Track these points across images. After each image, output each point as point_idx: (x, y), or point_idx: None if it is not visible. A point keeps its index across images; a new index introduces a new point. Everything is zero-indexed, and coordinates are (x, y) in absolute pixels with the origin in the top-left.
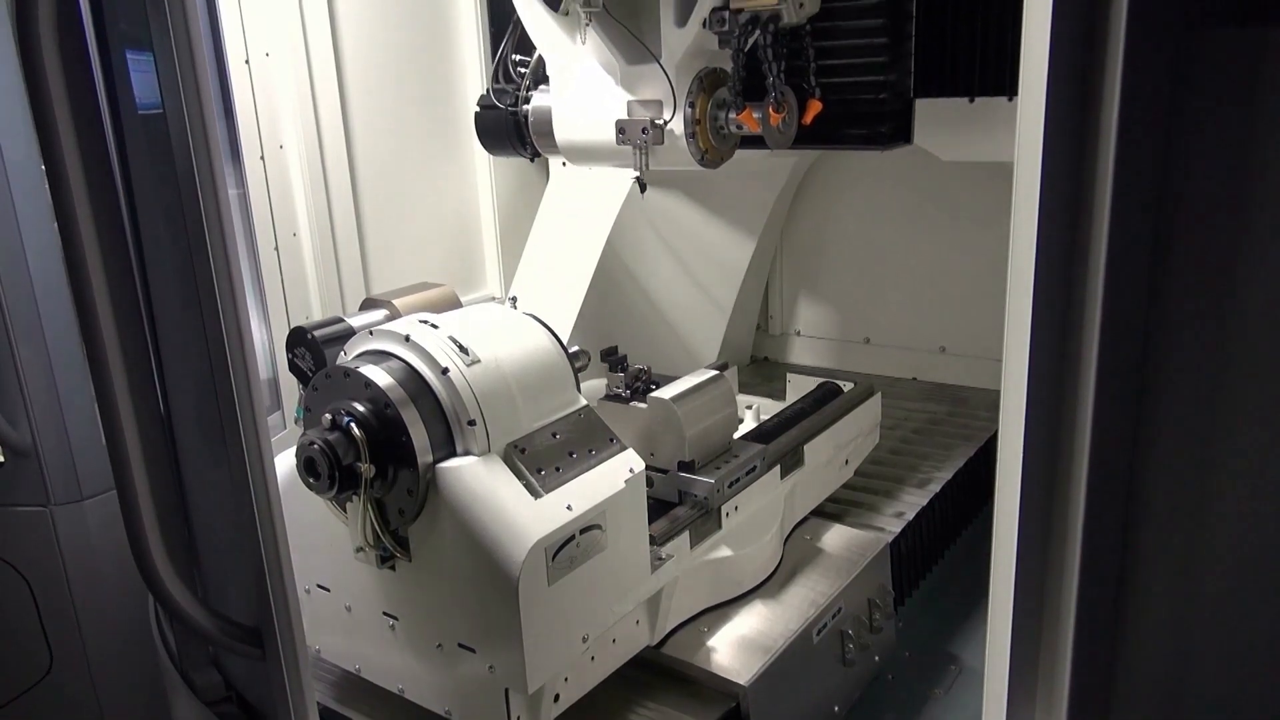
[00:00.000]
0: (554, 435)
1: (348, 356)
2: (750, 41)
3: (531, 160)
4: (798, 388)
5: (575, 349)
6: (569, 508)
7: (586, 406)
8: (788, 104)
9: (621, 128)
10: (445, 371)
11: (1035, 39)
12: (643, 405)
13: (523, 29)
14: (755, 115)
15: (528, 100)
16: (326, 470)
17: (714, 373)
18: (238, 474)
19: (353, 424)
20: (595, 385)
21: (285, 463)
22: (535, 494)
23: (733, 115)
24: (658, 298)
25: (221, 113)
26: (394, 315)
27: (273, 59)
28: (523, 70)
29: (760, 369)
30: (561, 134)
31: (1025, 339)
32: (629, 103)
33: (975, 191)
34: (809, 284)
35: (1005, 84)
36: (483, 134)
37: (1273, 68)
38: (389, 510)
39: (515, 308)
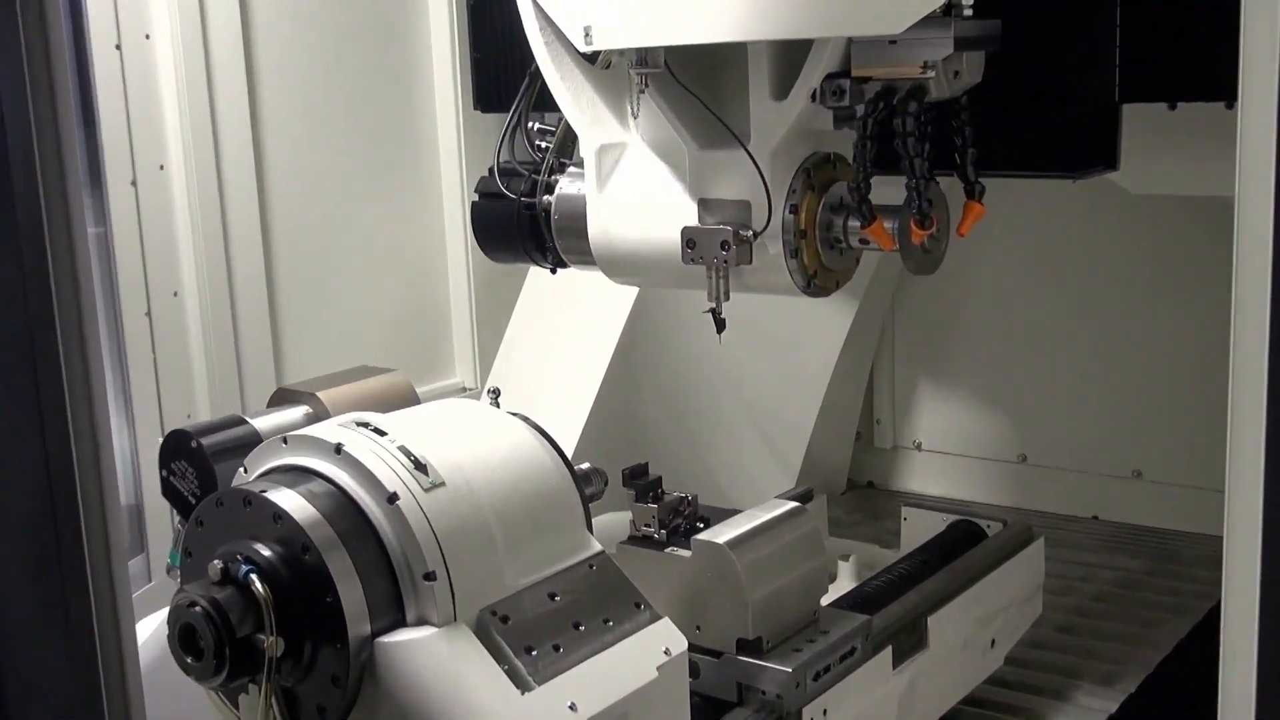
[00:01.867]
0: (552, 597)
1: (249, 475)
2: (875, 121)
3: (553, 272)
4: (917, 529)
5: (585, 467)
6: (572, 708)
7: (601, 554)
8: (936, 215)
9: (691, 239)
10: (393, 499)
11: (1259, 22)
12: (685, 553)
13: (544, 84)
14: (888, 227)
15: (550, 188)
16: (212, 644)
17: (792, 505)
18: (80, 647)
19: (254, 576)
20: (615, 522)
21: (152, 632)
22: (523, 685)
23: (854, 224)
24: (709, 394)
25: (79, 118)
26: (319, 415)
27: (154, 43)
28: (545, 144)
29: (862, 499)
30: (601, 241)
31: (1258, 463)
32: (702, 203)
33: (1181, 241)
34: (935, 374)
35: (1218, 84)
36: (483, 233)
37: None
38: (303, 707)
39: (497, 405)
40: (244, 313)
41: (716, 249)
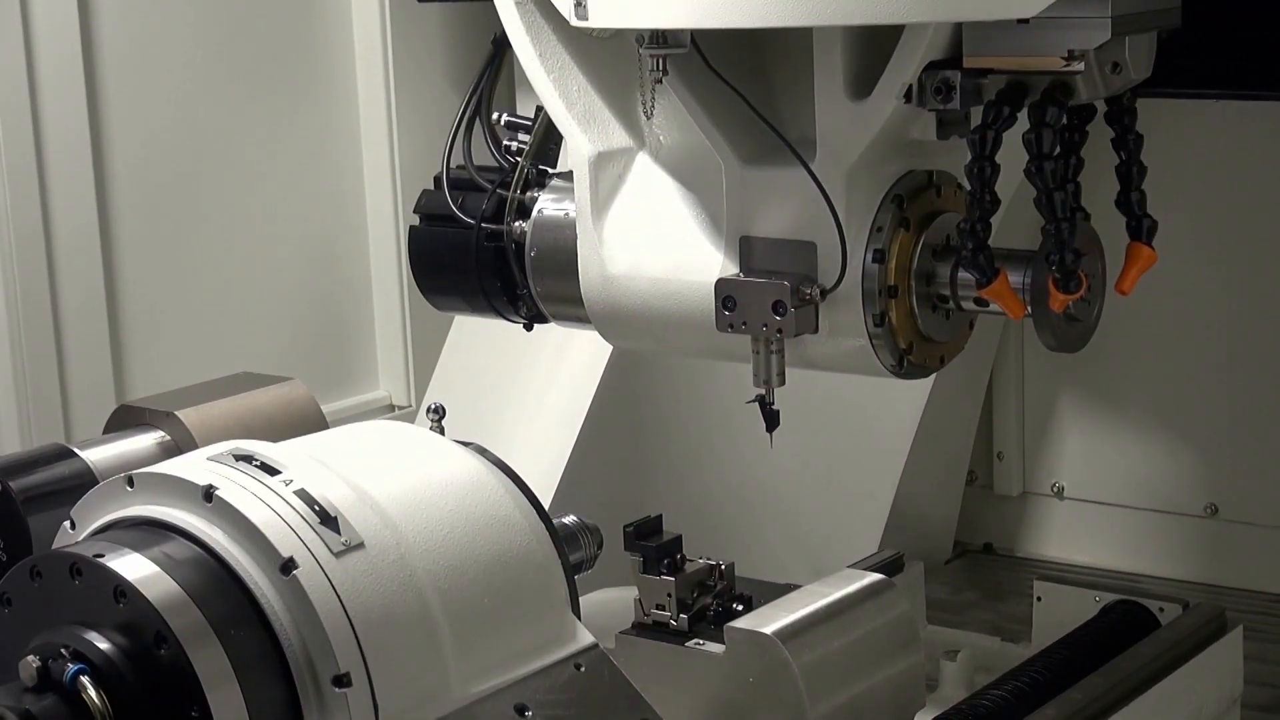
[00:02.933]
0: (521, 712)
1: (78, 532)
2: (998, 131)
3: (528, 328)
4: (1057, 612)
5: (570, 521)
6: None
7: (594, 649)
8: (1087, 272)
9: (730, 297)
10: (289, 567)
11: None
12: (717, 648)
13: (515, 63)
14: (1017, 285)
15: (525, 210)
16: None
17: (872, 578)
18: None
19: (85, 679)
20: (612, 602)
21: None
22: None
23: (965, 277)
24: (744, 416)
25: None
26: (179, 443)
27: None
28: (517, 143)
29: (976, 569)
30: (596, 289)
31: None
32: (745, 244)
33: None
34: (1083, 390)
35: None
36: (425, 271)
37: None
38: None
39: (440, 430)
40: (69, 302)
41: (767, 312)
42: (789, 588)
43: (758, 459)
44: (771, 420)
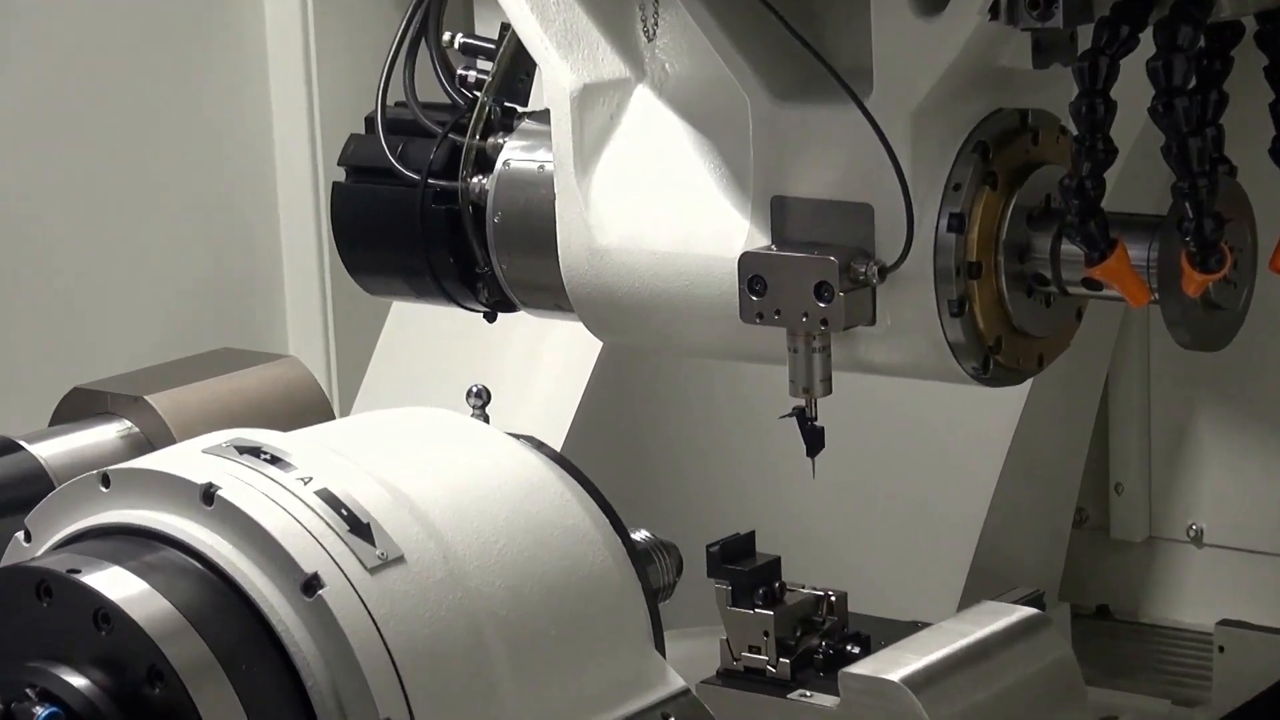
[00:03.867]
0: None
1: (35, 544)
2: (1115, 58)
3: (490, 319)
4: (1242, 663)
5: (640, 536)
6: None
7: (686, 695)
8: (1234, 244)
9: (758, 279)
10: (312, 586)
11: None
12: (829, 700)
13: None
14: (1139, 262)
15: (486, 161)
16: None
17: (1025, 612)
18: None
19: None
20: (685, 644)
21: None
22: None
23: (1071, 251)
24: (777, 439)
25: None
26: (150, 436)
27: None
28: (475, 73)
29: (1088, 637)
30: (581, 268)
31: None
32: (779, 206)
33: None
34: (1227, 405)
35: None
36: (353, 241)
37: None
38: None
39: (483, 416)
40: None
41: (807, 297)
42: (915, 625)
43: (794, 492)
44: (813, 442)
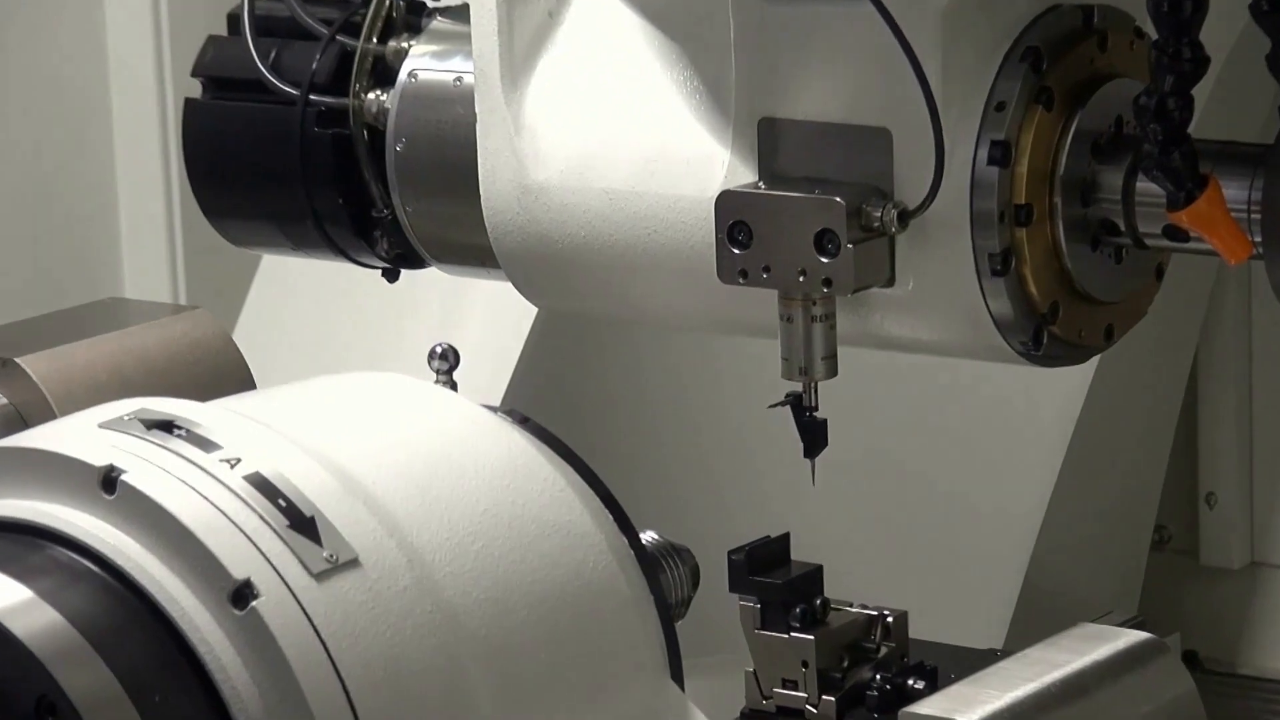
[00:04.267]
0: None
1: None
2: None
3: (391, 277)
4: None
5: (653, 540)
6: None
7: None
8: None
9: (741, 226)
10: (243, 597)
11: None
12: None
13: None
14: (1237, 205)
15: (384, 71)
16: None
17: (1135, 637)
18: None
19: None
20: (705, 685)
21: None
22: None
23: (1149, 190)
24: (766, 432)
25: None
26: (24, 407)
27: None
28: None
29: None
30: (510, 212)
31: None
32: (767, 128)
33: None
34: None
35: None
36: (209, 173)
37: None
38: None
39: (450, 382)
40: None
41: (805, 249)
42: (993, 655)
43: (791, 500)
44: (813, 438)
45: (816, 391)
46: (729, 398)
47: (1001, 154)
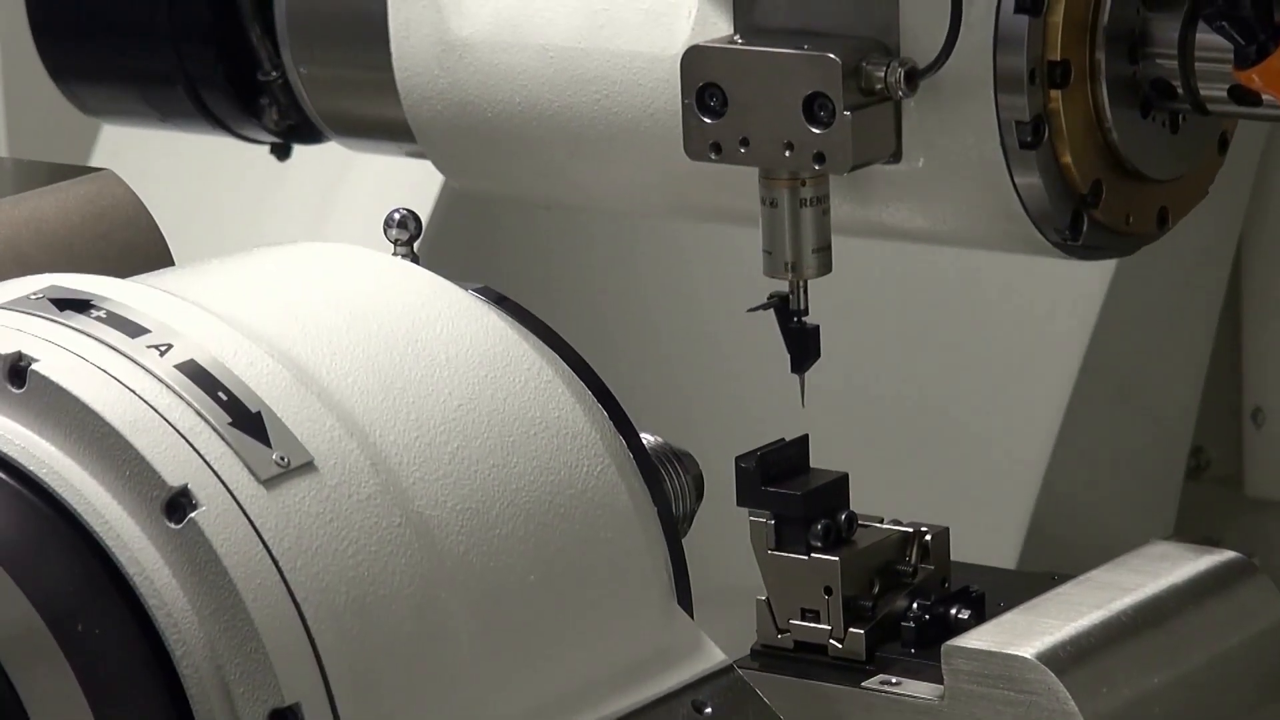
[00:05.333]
0: None
1: None
2: None
3: (281, 154)
4: None
5: (653, 441)
6: None
7: (729, 673)
8: None
9: (713, 89)
10: (179, 507)
11: None
12: (927, 691)
13: None
14: None
15: None
16: None
17: (1220, 556)
18: None
19: None
20: (709, 615)
21: None
22: None
23: (1211, 42)
24: (745, 343)
25: None
26: None
27: None
28: None
29: None
30: (427, 74)
31: None
32: None
33: None
34: None
35: None
36: (52, 27)
37: None
38: None
39: (411, 254)
40: None
41: (792, 119)
42: (1051, 578)
43: (774, 417)
44: (802, 349)
45: (806, 291)
46: (695, 339)
47: (1033, 4)
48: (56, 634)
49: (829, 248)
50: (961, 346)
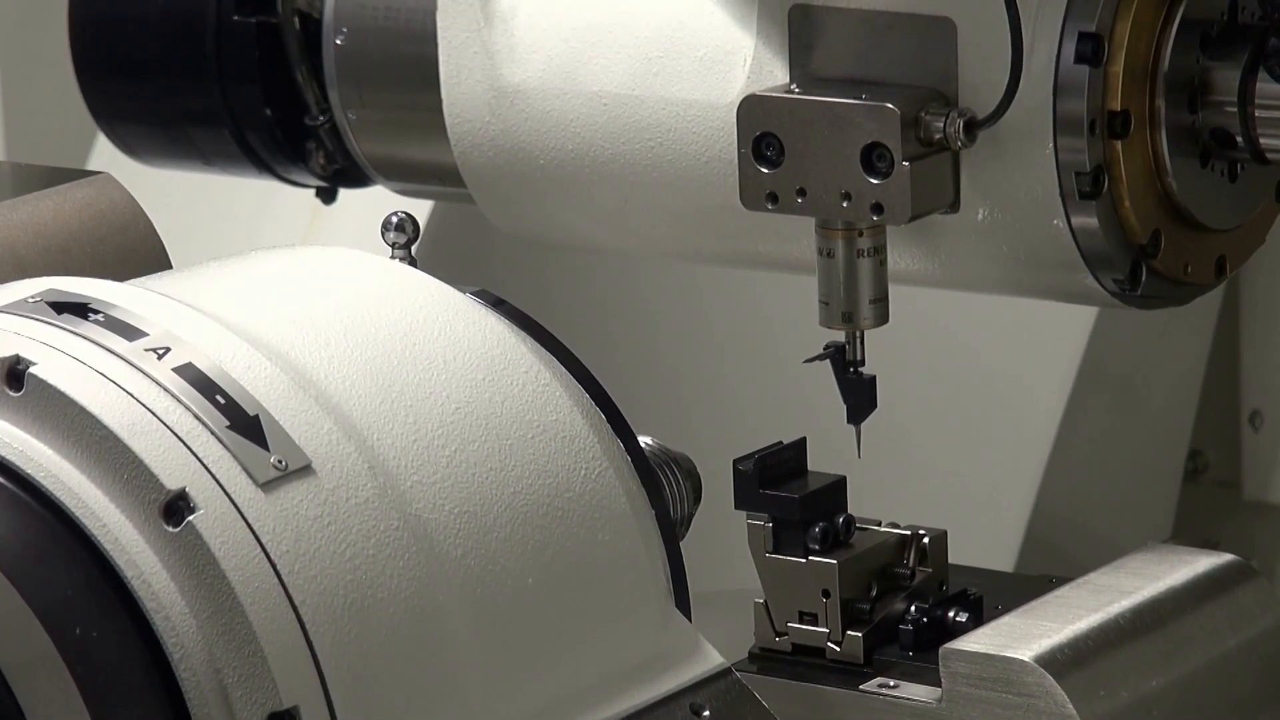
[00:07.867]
0: None
1: None
2: None
3: (327, 197)
4: None
5: (651, 445)
6: None
7: (727, 676)
8: None
9: (769, 138)
10: (178, 510)
11: None
12: (923, 694)
13: None
14: None
15: None
16: None
17: (1218, 559)
18: None
19: None
20: (706, 618)
21: None
22: None
23: (1269, 87)
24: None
25: None
26: None
27: None
28: None
29: None
30: (480, 120)
31: None
32: (800, 20)
33: None
34: None
35: None
36: (96, 68)
37: None
38: None
39: (409, 257)
40: None
41: (850, 168)
42: (1049, 581)
43: (771, 420)
44: (859, 400)
45: (863, 342)
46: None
47: (1092, 49)
48: (54, 637)
49: (886, 298)
50: (959, 349)
